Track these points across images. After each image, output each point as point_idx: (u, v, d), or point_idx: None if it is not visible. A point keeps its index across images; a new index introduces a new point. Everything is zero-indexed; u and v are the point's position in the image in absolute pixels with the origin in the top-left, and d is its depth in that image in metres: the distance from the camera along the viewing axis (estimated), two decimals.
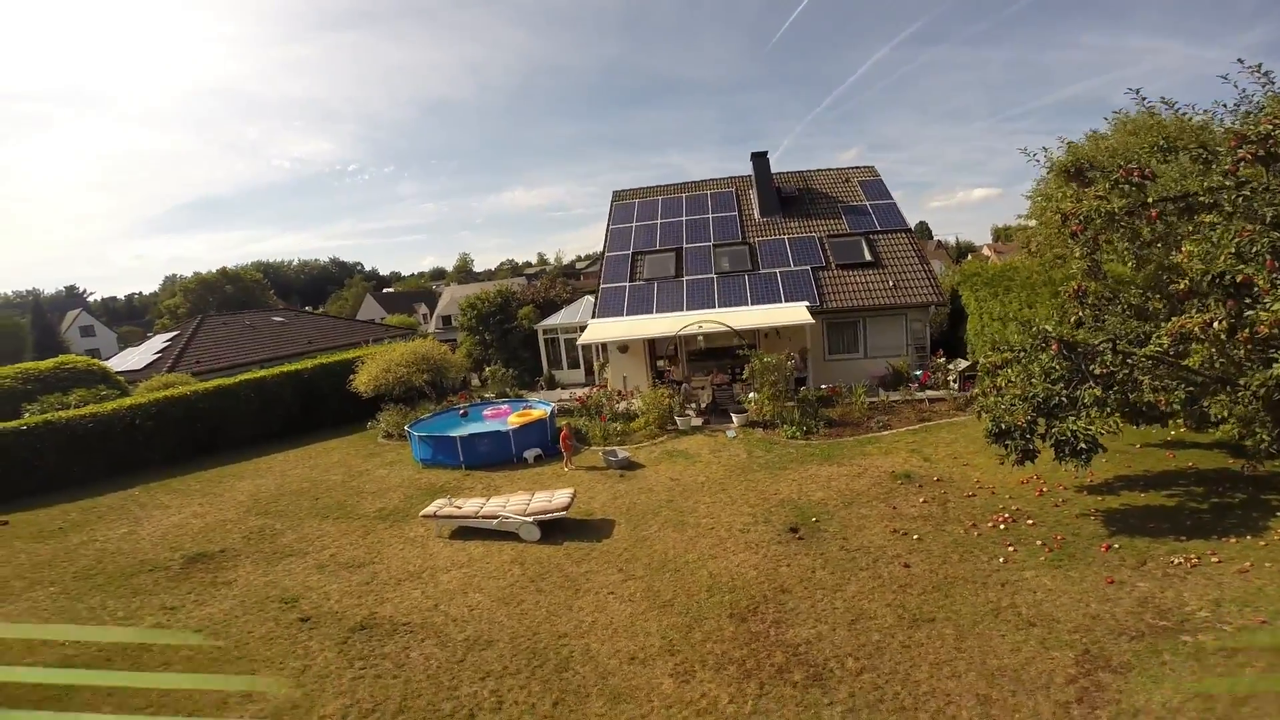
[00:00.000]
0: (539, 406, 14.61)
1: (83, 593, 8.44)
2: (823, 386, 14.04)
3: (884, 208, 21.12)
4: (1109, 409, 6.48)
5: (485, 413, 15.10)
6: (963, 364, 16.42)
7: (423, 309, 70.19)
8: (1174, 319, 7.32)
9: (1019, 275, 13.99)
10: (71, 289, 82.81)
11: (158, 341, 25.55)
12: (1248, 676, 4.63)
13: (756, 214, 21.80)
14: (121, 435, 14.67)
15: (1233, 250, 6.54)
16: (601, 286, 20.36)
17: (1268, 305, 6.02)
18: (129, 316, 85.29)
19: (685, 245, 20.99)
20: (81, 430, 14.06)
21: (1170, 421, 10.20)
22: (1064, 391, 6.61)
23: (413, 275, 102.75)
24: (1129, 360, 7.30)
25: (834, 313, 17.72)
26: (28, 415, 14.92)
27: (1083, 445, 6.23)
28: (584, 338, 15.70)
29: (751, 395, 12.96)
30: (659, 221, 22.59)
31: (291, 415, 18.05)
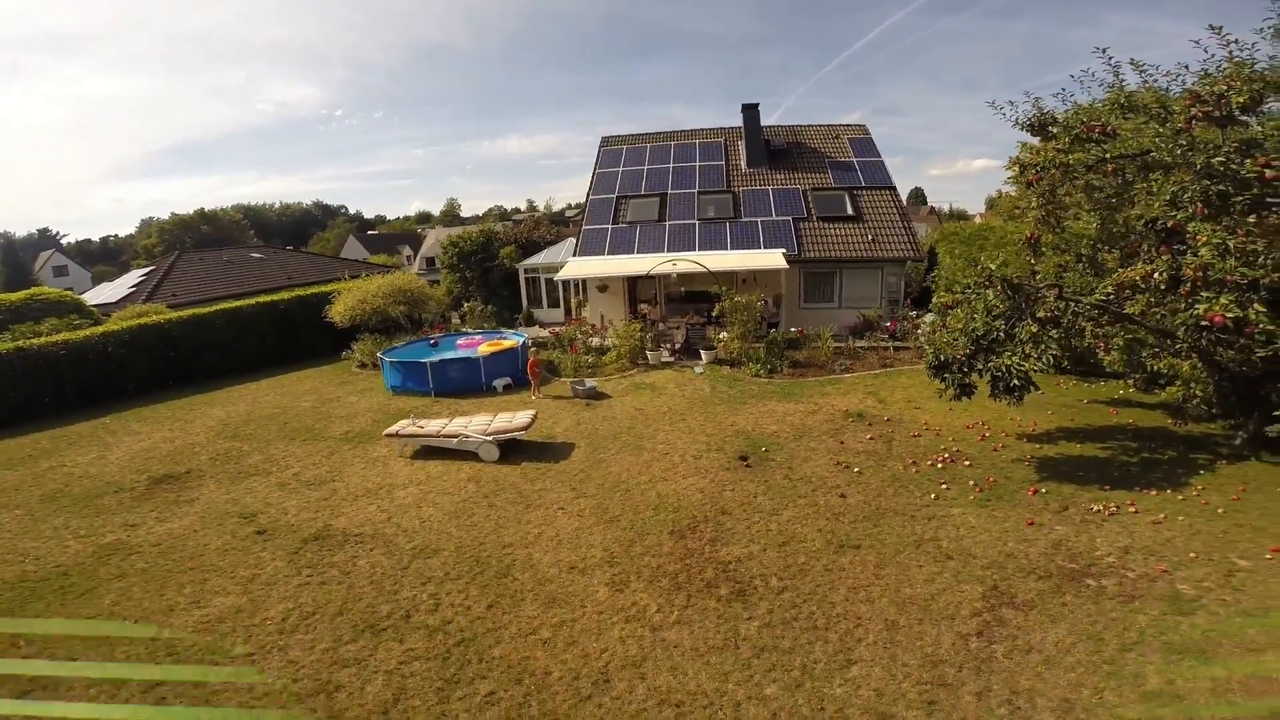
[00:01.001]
0: (512, 337, 14.48)
1: (46, 514, 8.40)
2: (792, 330, 14.01)
3: (871, 165, 20.62)
4: (1044, 346, 6.47)
5: (458, 343, 14.99)
6: (931, 316, 16.43)
7: (406, 250, 68.34)
8: (1119, 270, 7.30)
9: (994, 235, 13.86)
10: (45, 231, 79.55)
11: (133, 276, 24.85)
12: (1138, 622, 4.77)
13: (743, 165, 21.21)
14: (94, 363, 14.35)
15: (1167, 198, 6.45)
16: (584, 228, 19.94)
17: (1196, 251, 5.99)
18: (104, 258, 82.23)
19: (670, 191, 20.48)
20: (54, 358, 13.70)
21: (1122, 382, 10.35)
22: (1003, 328, 6.58)
23: (398, 219, 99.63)
24: (1073, 306, 7.28)
25: (812, 262, 17.55)
26: None
27: (1015, 382, 6.24)
28: (562, 274, 15.45)
29: (723, 334, 12.91)
30: (646, 168, 21.94)
31: (267, 346, 17.76)
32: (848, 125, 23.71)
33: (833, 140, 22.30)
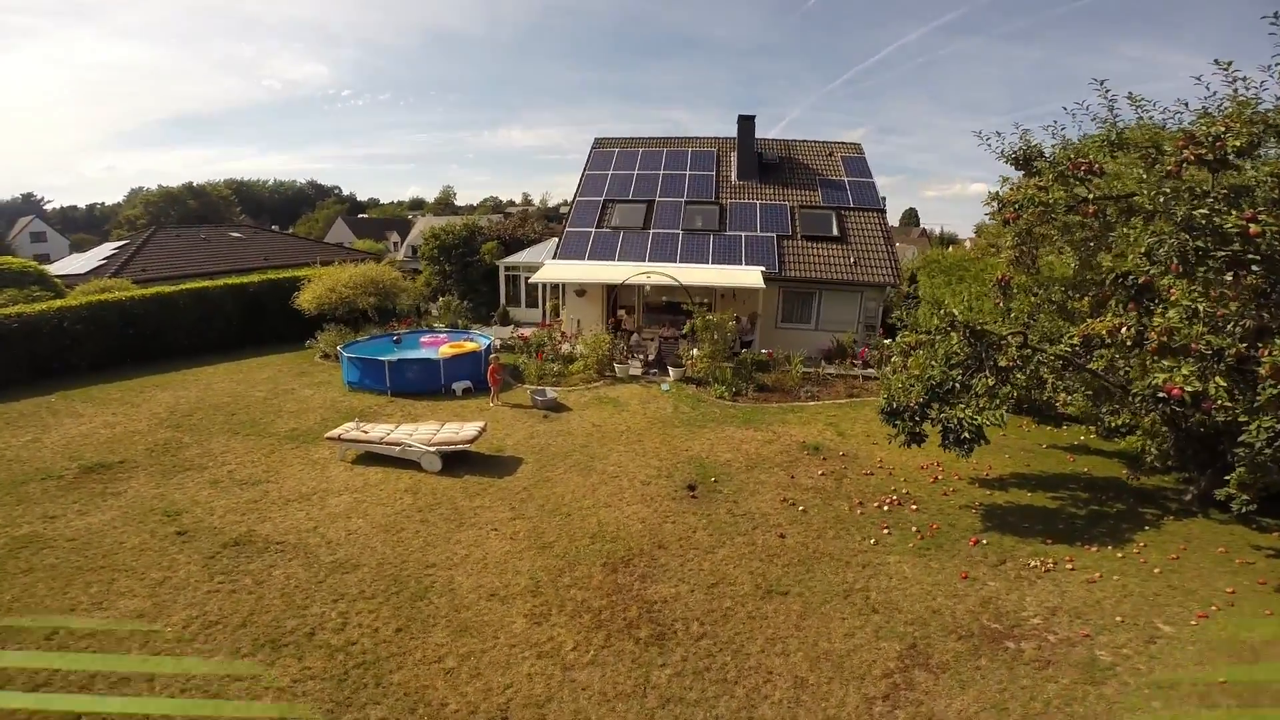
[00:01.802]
0: (478, 339, 14.25)
1: None
2: (763, 351, 13.89)
3: (862, 185, 20.58)
4: (999, 401, 6.35)
5: (422, 339, 14.73)
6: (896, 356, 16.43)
7: (394, 236, 67.40)
8: (1086, 321, 7.20)
9: (973, 267, 13.85)
10: (29, 196, 77.97)
11: (106, 248, 24.32)
12: (1047, 692, 4.66)
13: (734, 176, 21.10)
14: (49, 338, 13.89)
15: (1143, 250, 6.31)
16: (567, 229, 19.72)
17: (1162, 312, 5.89)
18: (88, 225, 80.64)
19: (658, 198, 20.32)
20: (4, 330, 13.25)
21: (1083, 427, 10.32)
22: (960, 377, 6.45)
23: (391, 203, 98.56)
24: (1037, 355, 7.19)
25: (791, 281, 17.46)
26: None
27: (966, 435, 6.12)
28: (537, 276, 15.25)
29: (694, 351, 12.77)
30: (635, 173, 21.76)
31: (232, 328, 17.39)
32: (842, 143, 23.67)
33: (826, 157, 22.25)
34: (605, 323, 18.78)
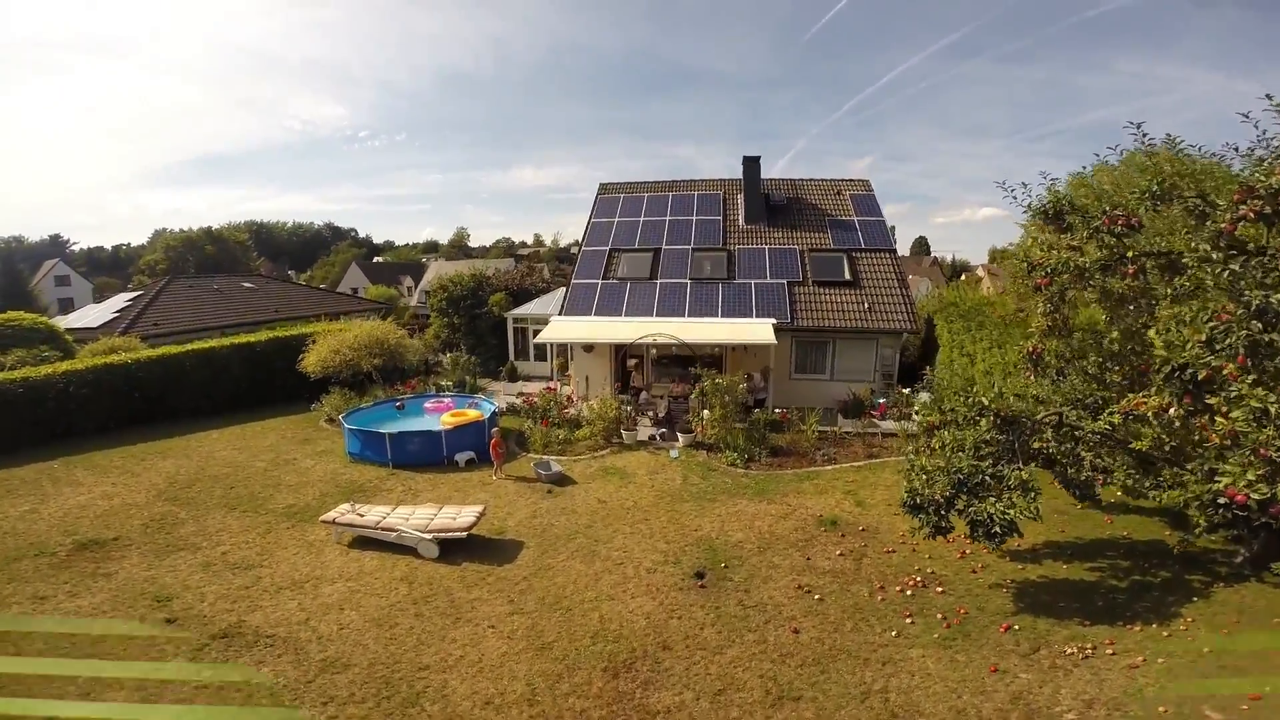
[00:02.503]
0: (482, 406, 14.29)
1: None
2: (775, 411, 13.70)
3: (872, 225, 20.66)
4: (1033, 494, 6.05)
5: (426, 405, 14.80)
6: (926, 396, 16.12)
7: (408, 281, 69.39)
8: (1129, 396, 6.87)
9: (993, 313, 13.68)
10: (55, 237, 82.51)
11: (119, 300, 25.15)
12: None
13: (741, 220, 21.35)
14: (54, 402, 14.27)
15: (1203, 338, 5.91)
16: (573, 281, 19.97)
17: (1225, 410, 5.53)
18: (113, 267, 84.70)
19: (664, 246, 20.56)
20: (10, 395, 13.64)
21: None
22: (990, 470, 6.14)
23: (406, 245, 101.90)
24: (1075, 433, 6.94)
25: (804, 331, 17.39)
26: None
27: (997, 530, 5.86)
28: (543, 335, 15.37)
29: (704, 413, 12.64)
30: (641, 219, 22.13)
31: (239, 388, 17.72)
32: (850, 180, 23.92)
33: (834, 196, 22.45)
34: (613, 378, 18.82)
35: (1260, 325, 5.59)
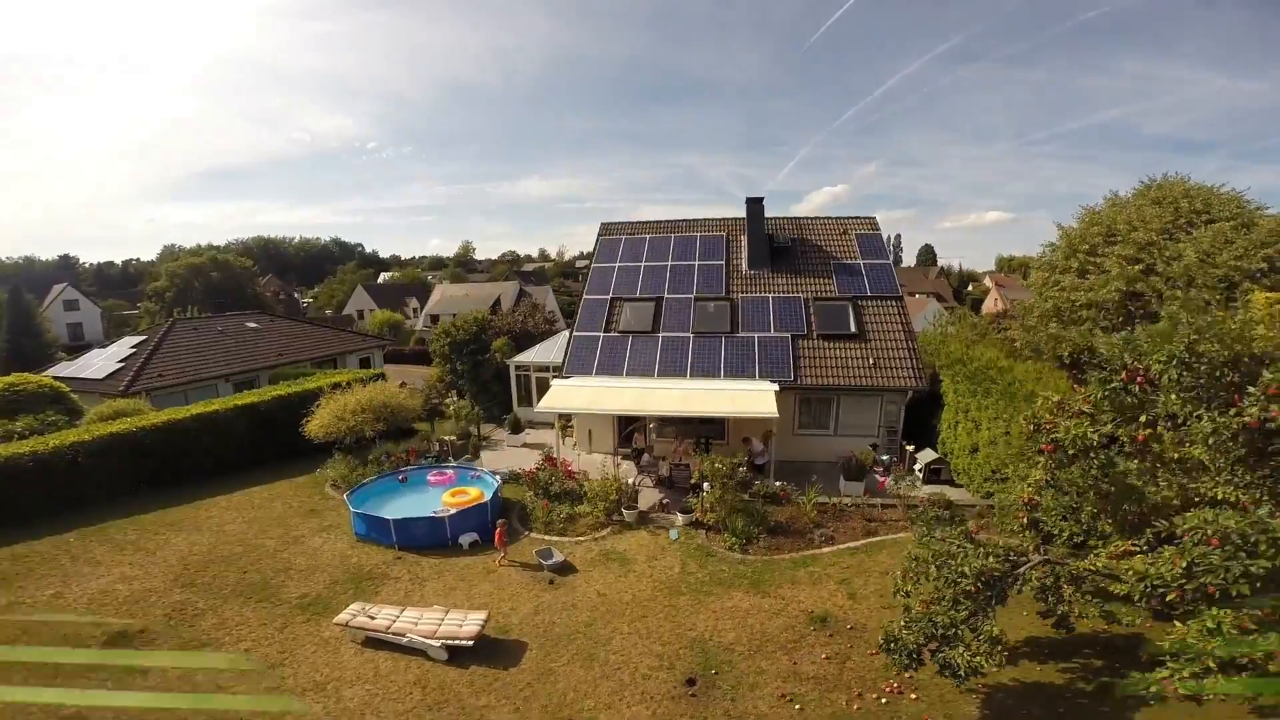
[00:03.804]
0: (484, 481, 15.23)
1: (7, 674, 9.14)
2: (775, 485, 14.52)
3: (878, 269, 21.42)
4: (1002, 648, 6.78)
5: (429, 477, 15.73)
6: (930, 455, 16.88)
7: (413, 303, 71.72)
8: (1117, 542, 7.48)
9: (1001, 380, 14.27)
10: (66, 257, 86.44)
11: (124, 346, 26.40)
12: None
13: (744, 265, 22.18)
14: (63, 473, 15.29)
15: (1184, 564, 5.81)
16: (574, 334, 20.91)
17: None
18: (123, 284, 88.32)
19: (666, 295, 21.42)
20: (21, 469, 14.68)
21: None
22: (965, 620, 6.87)
23: (412, 260, 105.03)
24: (1056, 569, 7.68)
25: (808, 390, 18.21)
26: None
27: (963, 673, 6.64)
28: (543, 404, 16.25)
29: (705, 486, 13.46)
30: (643, 264, 23.04)
31: (244, 448, 18.84)
32: (856, 218, 24.72)
33: (839, 236, 23.22)
34: (616, 437, 19.74)
35: (1245, 566, 5.50)
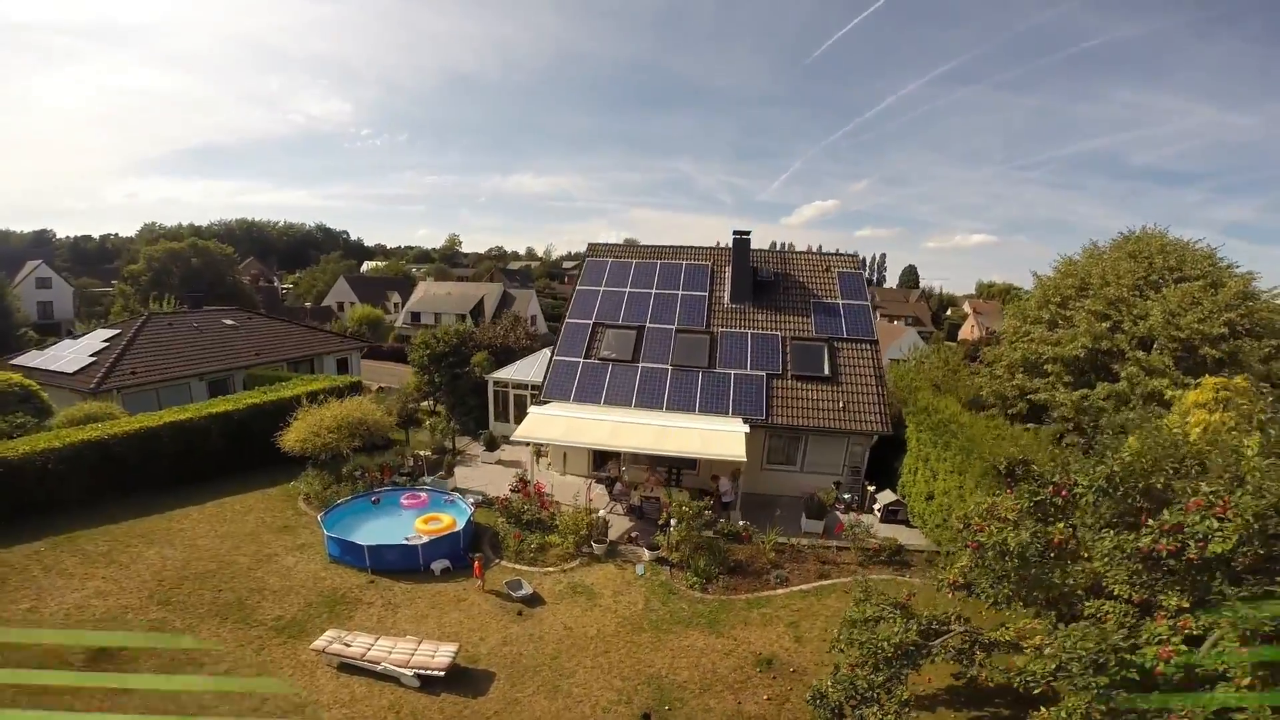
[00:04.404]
0: (457, 507, 16.08)
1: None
2: (739, 524, 15.64)
3: (856, 310, 22.66)
4: (910, 709, 7.90)
5: (402, 500, 16.51)
6: (890, 497, 18.14)
7: (395, 297, 72.15)
8: (1026, 621, 8.67)
9: (960, 435, 15.46)
10: (41, 233, 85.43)
11: (96, 340, 26.59)
12: None
13: (727, 298, 23.27)
14: (33, 478, 15.65)
15: (1053, 666, 6.70)
16: (554, 358, 21.84)
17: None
18: (99, 260, 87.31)
19: (648, 324, 22.43)
20: None
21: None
22: (884, 685, 7.97)
23: (398, 250, 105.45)
24: (974, 636, 8.85)
25: (778, 429, 19.39)
26: None
27: None
28: (520, 432, 17.13)
29: (672, 523, 14.49)
30: (627, 290, 24.03)
31: (217, 456, 19.39)
32: (839, 255, 26.08)
33: (822, 274, 24.46)
34: (590, 458, 20.73)
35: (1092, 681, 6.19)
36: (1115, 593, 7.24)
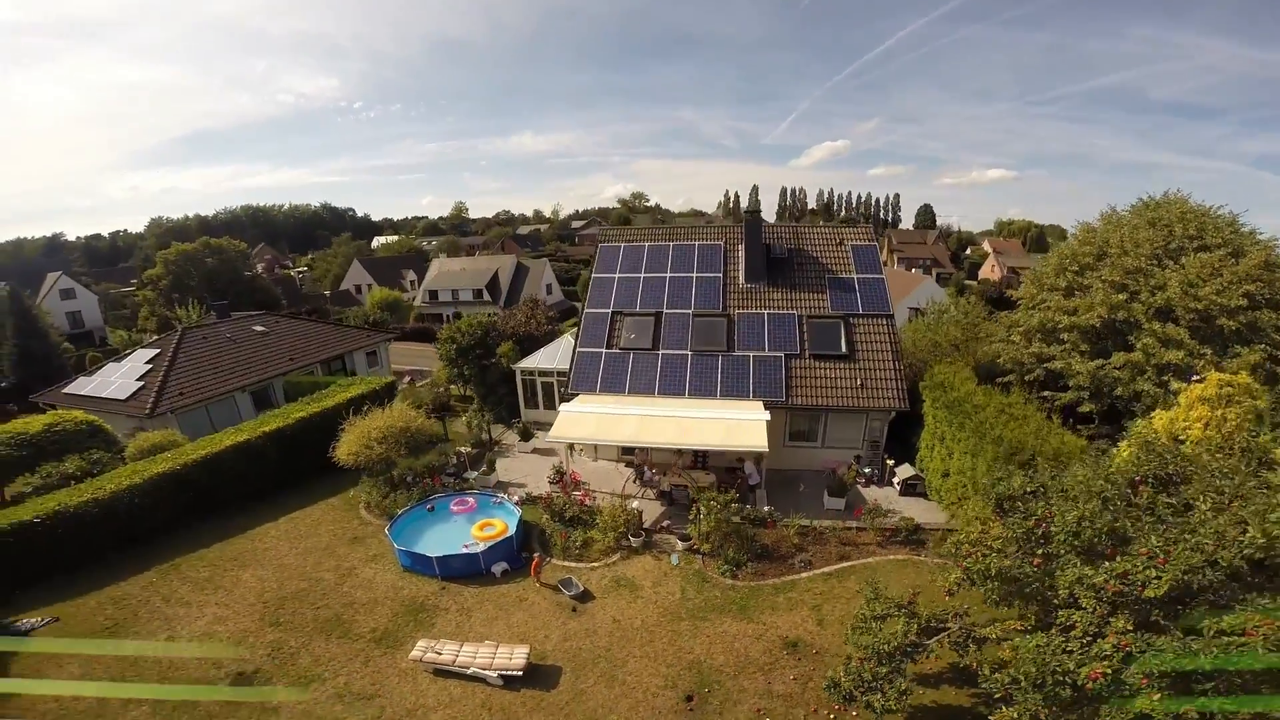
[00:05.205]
0: (506, 510, 18.54)
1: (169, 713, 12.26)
2: (764, 509, 17.83)
3: (871, 283, 23.90)
4: (908, 698, 10.03)
5: (452, 506, 18.92)
6: (909, 471, 20.13)
7: (410, 275, 74.72)
8: (1010, 621, 10.65)
9: (974, 418, 17.07)
10: (53, 239, 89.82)
11: (139, 363, 29.13)
12: None
13: (741, 278, 24.69)
14: (124, 515, 18.22)
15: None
16: (578, 350, 23.74)
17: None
18: (111, 259, 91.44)
19: (665, 310, 24.06)
20: (89, 517, 17.55)
21: None
22: (887, 676, 10.11)
23: (405, 221, 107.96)
24: (969, 632, 10.94)
25: (798, 409, 21.29)
26: (32, 494, 19.01)
27: (879, 712, 9.96)
28: (553, 434, 19.22)
29: (702, 513, 16.69)
30: (642, 275, 25.55)
31: (275, 471, 21.94)
32: (852, 227, 27.13)
33: (835, 247, 25.61)
34: (620, 449, 22.98)
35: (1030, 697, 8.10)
36: (1083, 604, 9.13)
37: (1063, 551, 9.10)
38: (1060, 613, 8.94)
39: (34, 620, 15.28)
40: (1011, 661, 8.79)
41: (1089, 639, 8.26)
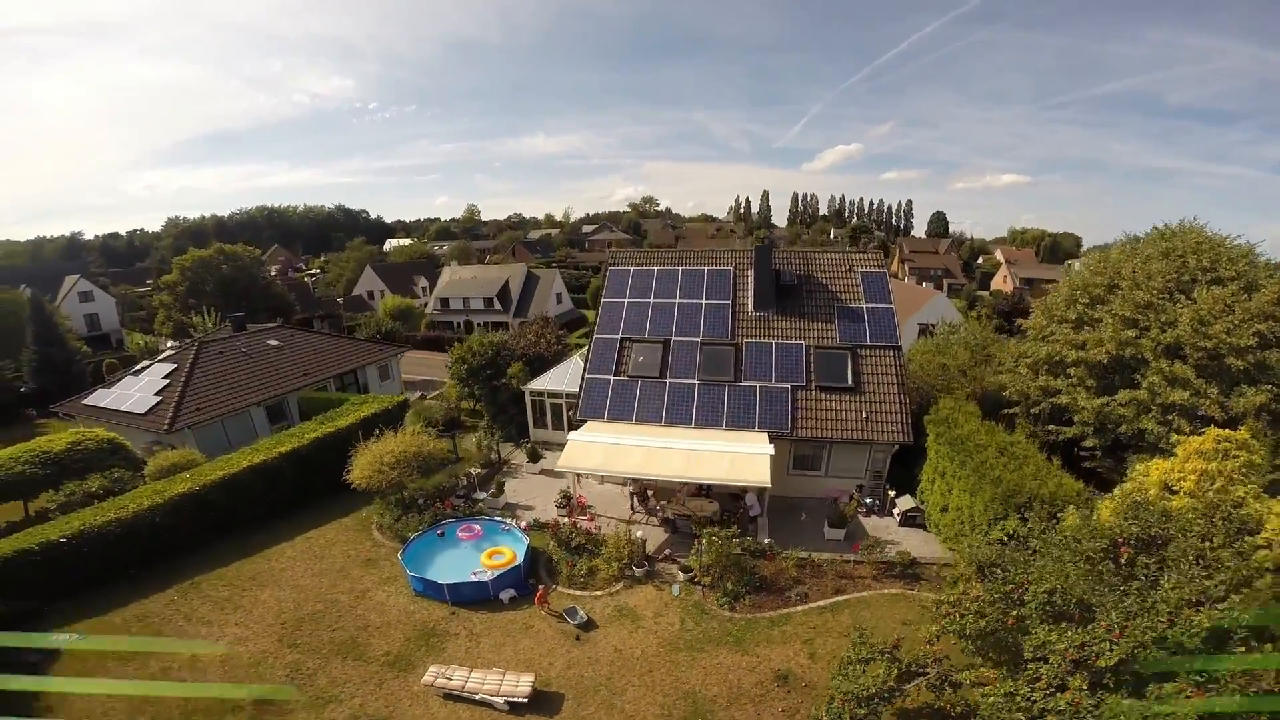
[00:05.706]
0: (514, 536, 19.73)
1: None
2: (764, 540, 18.88)
3: (880, 314, 24.73)
4: None
5: (459, 532, 20.01)
6: (909, 503, 21.08)
7: (422, 282, 77.08)
8: (983, 670, 11.66)
9: (974, 458, 18.00)
10: (72, 239, 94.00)
11: (157, 376, 30.67)
12: None
13: (750, 306, 25.66)
14: (146, 534, 19.44)
15: None
16: (586, 375, 24.86)
17: None
18: (129, 259, 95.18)
19: (674, 338, 25.09)
20: (112, 537, 18.80)
21: None
22: (864, 715, 11.10)
23: (418, 223, 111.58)
24: (946, 676, 11.97)
25: (803, 440, 22.29)
26: (56, 511, 20.36)
27: None
28: (562, 463, 20.40)
29: (703, 546, 17.78)
30: (651, 301, 26.64)
31: (290, 490, 23.17)
32: (862, 253, 28.07)
33: (844, 274, 26.53)
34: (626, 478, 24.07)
35: None
36: (1050, 660, 10.13)
37: (1034, 616, 10.13)
38: (1030, 666, 9.96)
39: (64, 635, 16.61)
40: (981, 707, 9.82)
41: (1053, 690, 9.29)
